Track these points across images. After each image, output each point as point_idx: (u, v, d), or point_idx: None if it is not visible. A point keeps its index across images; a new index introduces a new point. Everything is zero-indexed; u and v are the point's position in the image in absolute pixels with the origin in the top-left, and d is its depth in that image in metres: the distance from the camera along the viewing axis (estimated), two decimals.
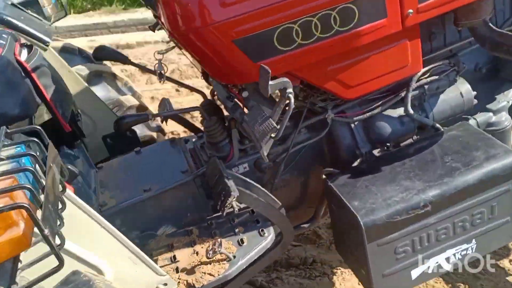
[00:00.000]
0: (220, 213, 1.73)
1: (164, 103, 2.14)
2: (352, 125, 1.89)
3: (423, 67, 1.76)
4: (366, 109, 1.84)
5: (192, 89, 1.93)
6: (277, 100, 1.49)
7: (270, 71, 1.33)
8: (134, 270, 1.49)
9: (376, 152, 1.85)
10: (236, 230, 1.78)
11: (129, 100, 2.69)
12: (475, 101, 1.90)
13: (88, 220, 1.38)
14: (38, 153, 0.94)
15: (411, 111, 1.79)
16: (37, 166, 0.95)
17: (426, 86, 1.82)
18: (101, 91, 2.64)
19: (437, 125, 1.84)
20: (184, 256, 1.73)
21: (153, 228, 1.90)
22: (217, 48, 1.47)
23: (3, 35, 1.65)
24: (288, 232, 1.84)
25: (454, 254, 1.65)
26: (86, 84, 2.39)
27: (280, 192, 2.01)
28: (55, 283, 1.14)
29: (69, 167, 1.50)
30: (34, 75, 1.61)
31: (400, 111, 1.85)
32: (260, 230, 1.76)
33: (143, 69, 2.02)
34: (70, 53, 2.59)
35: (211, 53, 1.49)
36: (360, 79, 1.66)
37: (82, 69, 2.54)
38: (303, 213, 2.13)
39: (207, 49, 1.47)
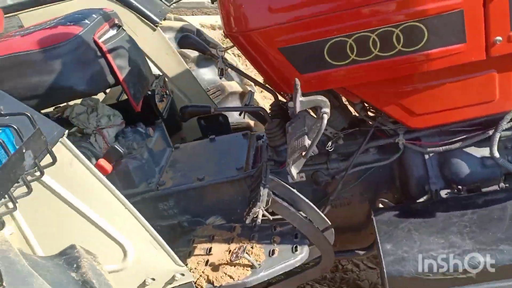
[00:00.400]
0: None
1: (248, 95, 2.15)
2: (426, 156, 1.67)
3: None
4: (444, 142, 1.60)
5: (264, 88, 1.90)
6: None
7: (298, 87, 1.23)
8: (154, 256, 1.56)
9: (444, 193, 1.60)
10: (273, 239, 1.74)
11: (232, 86, 2.76)
12: None
13: (117, 203, 1.48)
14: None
15: (497, 154, 1.50)
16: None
17: None
18: (208, 74, 2.75)
19: None
20: (218, 251, 1.75)
21: (203, 216, 1.96)
22: (264, 54, 1.41)
23: (93, 15, 1.83)
24: (327, 254, 1.72)
25: None
26: (187, 67, 2.52)
27: (338, 211, 1.89)
28: (54, 252, 1.27)
29: (115, 146, 1.62)
30: (109, 56, 1.77)
31: (485, 151, 1.56)
32: (295, 246, 1.68)
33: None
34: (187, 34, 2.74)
35: (259, 58, 1.44)
36: (430, 108, 1.44)
37: (193, 51, 2.67)
38: (363, 238, 1.97)
39: (255, 53, 1.43)
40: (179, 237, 1.93)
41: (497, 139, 1.48)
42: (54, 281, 1.12)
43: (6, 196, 0.93)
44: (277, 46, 1.37)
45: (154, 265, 1.58)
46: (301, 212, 1.70)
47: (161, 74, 2.42)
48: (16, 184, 1.03)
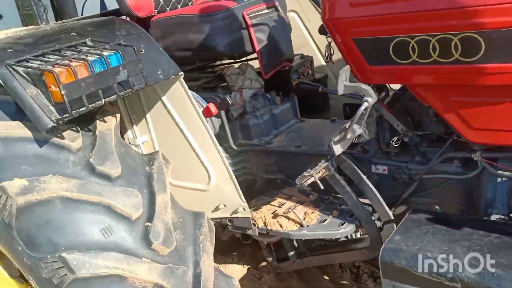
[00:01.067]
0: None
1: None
2: (499, 180, 1.61)
3: None
4: None
5: None
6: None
7: (344, 72, 1.43)
8: (229, 188, 1.95)
9: (495, 216, 1.54)
10: (332, 212, 1.93)
11: None
12: None
13: (209, 140, 1.90)
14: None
15: None
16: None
17: None
18: None
19: None
20: (287, 206, 2.03)
21: (294, 178, 2.24)
22: (344, 42, 1.61)
23: None
24: (374, 241, 1.83)
25: None
26: None
27: None
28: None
29: (226, 97, 2.06)
30: (252, 29, 2.16)
31: None
32: (343, 223, 1.85)
33: None
34: None
35: (341, 46, 1.64)
36: (487, 124, 1.43)
37: None
38: None
39: (338, 40, 1.64)
40: (271, 189, 2.27)
41: None
42: (131, 167, 1.62)
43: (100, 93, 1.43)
44: (352, 37, 1.56)
45: (227, 195, 1.97)
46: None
47: (311, 56, 2.73)
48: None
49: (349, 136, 1.57)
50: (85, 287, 1.40)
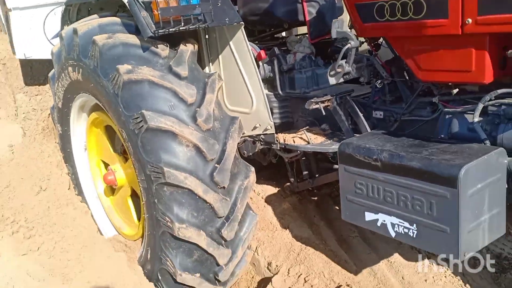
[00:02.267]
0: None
1: None
2: (448, 117, 2.17)
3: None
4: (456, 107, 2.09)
5: None
6: None
7: (339, 22, 2.13)
8: (263, 111, 2.71)
9: None
10: (333, 139, 2.59)
11: None
12: None
13: (255, 75, 2.67)
14: None
15: (476, 119, 1.92)
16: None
17: (502, 108, 1.88)
18: None
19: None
20: (301, 132, 2.72)
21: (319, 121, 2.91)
22: (350, 7, 2.29)
23: None
24: None
25: (397, 225, 1.89)
26: None
27: None
28: None
29: (274, 49, 2.82)
30: (305, 4, 2.89)
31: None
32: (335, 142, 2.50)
33: None
34: None
35: (349, 10, 2.32)
36: (429, 66, 2.02)
37: None
38: None
39: (347, 6, 2.32)
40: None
41: (480, 109, 1.91)
42: (195, 75, 2.46)
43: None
44: (354, 2, 2.24)
45: (262, 117, 2.73)
46: None
47: None
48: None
49: (338, 70, 2.25)
50: (153, 135, 2.26)
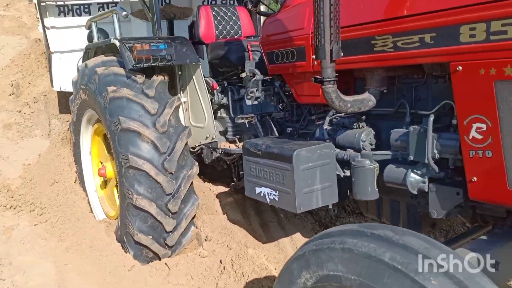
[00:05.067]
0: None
1: None
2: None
3: None
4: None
5: None
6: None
7: (251, 62, 3.19)
8: (211, 124, 3.75)
9: None
10: None
11: None
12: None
13: (208, 101, 3.76)
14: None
15: (324, 127, 2.89)
16: None
17: (338, 120, 2.85)
18: None
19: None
20: (238, 139, 3.73)
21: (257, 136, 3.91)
22: (263, 53, 3.36)
23: None
24: None
25: (269, 193, 2.83)
26: None
27: None
28: None
29: (224, 82, 3.89)
30: (250, 52, 3.97)
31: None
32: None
33: None
34: None
35: (264, 55, 3.39)
36: (300, 92, 3.03)
37: None
38: None
39: (265, 52, 3.40)
40: None
41: (327, 120, 2.89)
42: (161, 96, 3.57)
43: None
44: (265, 51, 3.30)
45: (211, 130, 3.77)
46: None
47: None
48: None
49: (251, 95, 3.27)
50: (124, 133, 3.34)
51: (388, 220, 2.88)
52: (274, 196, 2.82)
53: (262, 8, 4.83)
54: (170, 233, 3.44)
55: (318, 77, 2.36)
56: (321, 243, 1.73)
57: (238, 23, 4.59)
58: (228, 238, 3.38)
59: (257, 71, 3.25)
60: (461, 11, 1.95)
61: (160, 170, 3.32)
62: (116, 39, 3.61)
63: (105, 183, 4.30)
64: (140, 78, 3.57)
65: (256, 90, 3.31)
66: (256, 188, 2.97)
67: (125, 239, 3.52)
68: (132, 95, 3.45)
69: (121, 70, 3.60)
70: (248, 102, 3.43)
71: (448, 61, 2.04)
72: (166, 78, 3.76)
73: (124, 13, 3.66)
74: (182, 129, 3.53)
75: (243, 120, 3.46)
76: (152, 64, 3.47)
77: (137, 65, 3.43)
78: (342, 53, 2.31)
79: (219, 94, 3.98)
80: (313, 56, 2.36)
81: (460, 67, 1.99)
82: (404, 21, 2.21)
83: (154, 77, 3.64)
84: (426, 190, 2.32)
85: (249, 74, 3.27)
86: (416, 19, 2.15)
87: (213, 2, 5.94)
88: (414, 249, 1.50)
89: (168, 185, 3.34)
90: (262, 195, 2.93)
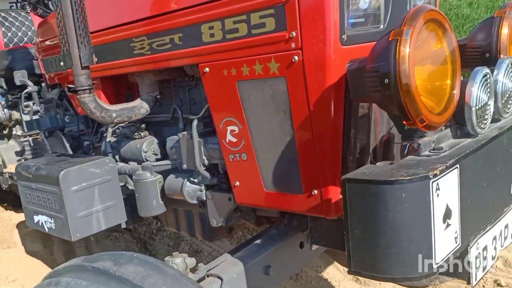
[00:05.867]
0: None
1: None
2: None
3: None
4: None
5: None
6: None
7: (22, 72, 2.78)
8: None
9: None
10: None
11: None
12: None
13: None
14: None
15: (107, 139, 2.63)
16: None
17: (121, 131, 2.61)
18: None
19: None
20: None
21: None
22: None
23: None
24: None
25: (46, 221, 2.48)
26: None
27: None
28: None
29: None
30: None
31: None
32: None
33: None
34: None
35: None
36: (77, 103, 2.72)
37: None
38: None
39: None
40: None
41: (110, 131, 2.63)
42: None
43: None
44: (40, 58, 2.92)
45: None
46: None
47: None
48: None
49: (28, 109, 2.88)
50: None
51: (186, 232, 2.73)
52: (51, 225, 2.48)
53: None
54: None
55: (72, 86, 2.09)
56: (40, 286, 1.47)
57: (32, 28, 4.10)
58: (21, 274, 2.95)
59: (29, 82, 2.87)
60: (200, 9, 1.84)
61: None
62: None
63: None
64: None
65: (33, 103, 2.92)
66: (34, 217, 2.60)
67: None
68: None
69: None
70: (26, 118, 3.02)
71: (197, 62, 1.92)
72: None
73: None
74: None
75: (26, 138, 3.04)
76: None
77: None
78: (96, 58, 2.07)
79: (5, 110, 3.47)
80: (61, 64, 2.08)
81: (208, 69, 1.88)
82: (156, 21, 2.05)
83: None
84: (205, 199, 2.20)
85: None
86: (165, 19, 2.00)
87: None
88: (129, 280, 1.32)
89: None
90: (40, 224, 2.57)
